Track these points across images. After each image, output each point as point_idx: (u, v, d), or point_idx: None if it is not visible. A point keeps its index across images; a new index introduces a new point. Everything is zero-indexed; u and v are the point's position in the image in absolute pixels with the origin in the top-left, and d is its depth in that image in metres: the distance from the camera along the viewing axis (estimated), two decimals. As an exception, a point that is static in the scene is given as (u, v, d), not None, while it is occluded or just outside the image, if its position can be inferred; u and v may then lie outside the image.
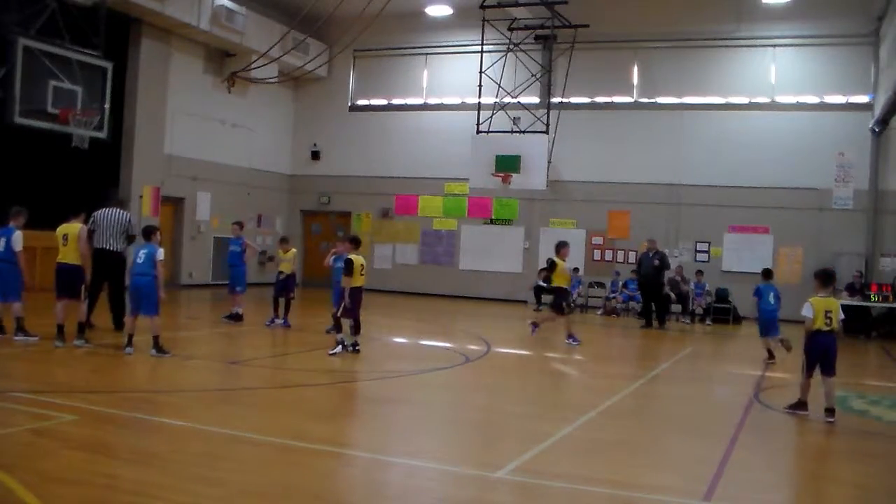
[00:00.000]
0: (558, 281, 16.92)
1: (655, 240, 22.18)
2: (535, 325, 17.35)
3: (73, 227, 12.73)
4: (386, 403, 10.23)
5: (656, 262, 21.13)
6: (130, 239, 14.32)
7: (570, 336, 16.47)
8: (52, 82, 17.93)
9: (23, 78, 17.22)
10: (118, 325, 14.29)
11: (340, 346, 13.25)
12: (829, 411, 9.94)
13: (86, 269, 12.80)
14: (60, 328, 12.46)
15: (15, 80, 17.05)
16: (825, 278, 10.41)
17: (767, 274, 16.06)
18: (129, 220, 14.48)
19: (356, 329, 13.53)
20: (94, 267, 13.56)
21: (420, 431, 8.95)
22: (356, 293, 13.32)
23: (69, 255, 12.62)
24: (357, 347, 13.52)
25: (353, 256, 13.33)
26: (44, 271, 16.71)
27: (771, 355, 15.39)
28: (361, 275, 13.37)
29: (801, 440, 9.57)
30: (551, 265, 16.95)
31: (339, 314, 13.30)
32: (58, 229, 12.82)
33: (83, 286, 12.75)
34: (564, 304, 17.03)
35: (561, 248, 17.02)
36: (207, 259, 26.41)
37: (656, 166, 25.53)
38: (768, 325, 15.45)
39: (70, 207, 13.22)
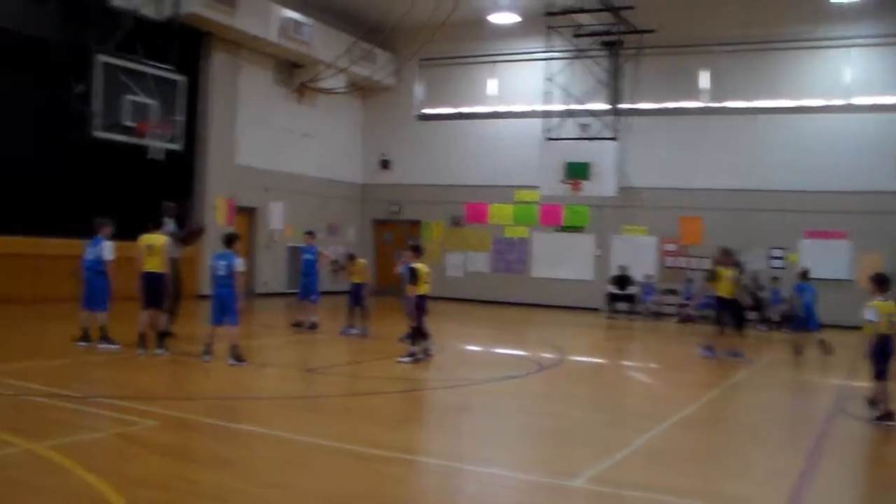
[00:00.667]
0: (721, 291, 15.97)
1: (729, 248, 21.75)
2: (708, 348, 15.93)
3: (159, 238, 12.91)
4: (459, 411, 10.23)
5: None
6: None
7: (732, 352, 15.68)
8: (129, 97, 18.34)
9: (102, 93, 17.63)
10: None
11: (411, 357, 13.31)
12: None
13: (168, 279, 13.01)
14: (143, 336, 12.69)
15: (95, 96, 17.47)
16: (884, 282, 10.37)
17: (805, 275, 17.55)
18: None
19: (424, 336, 13.64)
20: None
21: (494, 439, 8.93)
22: (421, 301, 13.45)
23: (155, 264, 12.78)
24: (430, 353, 13.61)
25: (417, 265, 13.46)
26: (122, 281, 17.01)
27: (799, 350, 16.64)
28: (426, 283, 13.50)
29: (886, 451, 9.31)
30: (711, 274, 16.24)
31: (416, 325, 13.39)
32: (141, 239, 12.96)
33: (165, 295, 12.96)
34: (726, 315, 16.12)
35: (725, 256, 16.37)
36: (281, 268, 26.74)
37: (728, 171, 25.12)
38: (806, 321, 17.12)
39: (147, 218, 13.44)
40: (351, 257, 17.68)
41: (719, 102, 25.72)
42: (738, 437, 9.49)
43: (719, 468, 7.97)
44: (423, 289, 13.45)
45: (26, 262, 19.63)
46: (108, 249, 13.04)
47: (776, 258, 24.64)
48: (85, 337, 13.16)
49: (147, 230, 13.11)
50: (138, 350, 12.56)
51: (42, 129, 21.02)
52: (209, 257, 15.25)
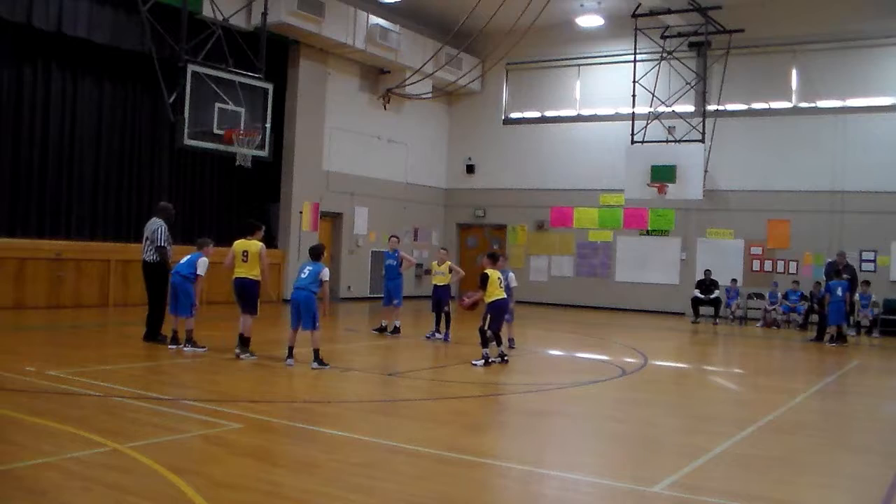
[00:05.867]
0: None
1: (845, 253, 21.24)
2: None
3: (255, 245, 13.08)
4: (541, 416, 10.18)
5: (846, 276, 20.02)
6: (159, 251, 13.88)
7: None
8: (217, 104, 18.67)
9: (191, 102, 17.99)
10: (150, 336, 14.06)
11: (484, 360, 13.37)
12: None
13: (264, 285, 13.21)
14: (247, 340, 12.95)
15: (185, 105, 17.83)
16: None
17: (838, 273, 19.43)
18: (157, 230, 13.94)
19: (498, 341, 13.71)
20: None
21: (575, 444, 8.90)
22: (495, 306, 13.49)
23: (249, 270, 12.96)
24: (505, 358, 13.67)
25: (489, 271, 13.54)
26: (209, 285, 17.38)
27: (843, 338, 18.72)
28: (500, 288, 13.56)
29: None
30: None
31: (484, 327, 13.43)
32: (236, 245, 13.13)
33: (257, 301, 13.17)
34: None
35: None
36: (365, 273, 27.00)
37: (817, 173, 24.56)
38: (835, 314, 18.96)
39: (237, 224, 13.70)
40: (442, 250, 17.86)
41: (809, 102, 25.17)
42: (824, 444, 9.26)
43: (804, 475, 7.77)
44: (498, 294, 13.51)
45: (116, 266, 20.22)
46: (203, 266, 13.39)
47: (867, 261, 23.92)
48: (174, 340, 13.51)
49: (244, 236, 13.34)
50: (243, 354, 12.85)
51: (136, 138, 21.65)
52: (291, 262, 15.43)
